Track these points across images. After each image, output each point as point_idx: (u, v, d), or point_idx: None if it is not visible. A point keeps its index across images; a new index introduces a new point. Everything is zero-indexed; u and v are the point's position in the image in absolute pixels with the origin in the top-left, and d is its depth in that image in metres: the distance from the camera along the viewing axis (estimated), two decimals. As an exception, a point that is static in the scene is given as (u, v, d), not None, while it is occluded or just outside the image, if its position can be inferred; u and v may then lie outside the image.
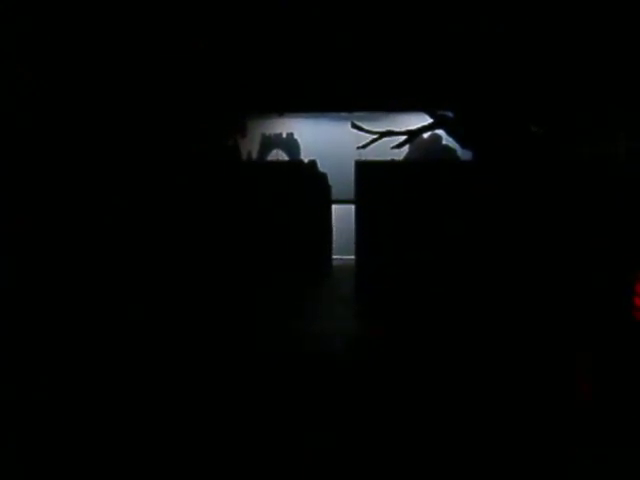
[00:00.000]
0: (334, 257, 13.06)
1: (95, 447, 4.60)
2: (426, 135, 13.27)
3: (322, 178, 12.77)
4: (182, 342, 7.95)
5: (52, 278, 8.99)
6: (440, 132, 12.90)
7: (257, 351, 7.62)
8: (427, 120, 11.51)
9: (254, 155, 15.00)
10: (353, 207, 11.38)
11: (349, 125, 11.95)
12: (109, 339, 7.86)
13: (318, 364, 7.00)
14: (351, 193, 11.49)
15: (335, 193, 12.83)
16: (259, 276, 12.07)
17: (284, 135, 14.93)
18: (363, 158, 11.30)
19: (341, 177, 12.61)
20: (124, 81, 10.11)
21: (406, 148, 13.03)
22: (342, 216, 12.69)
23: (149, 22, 7.42)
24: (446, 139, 13.20)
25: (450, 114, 11.27)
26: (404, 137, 11.84)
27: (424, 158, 13.75)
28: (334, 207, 12.86)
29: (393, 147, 11.70)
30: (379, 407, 5.48)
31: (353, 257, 11.74)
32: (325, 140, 14.18)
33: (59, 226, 9.56)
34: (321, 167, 12.80)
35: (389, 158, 11.88)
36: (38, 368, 6.45)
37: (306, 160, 13.03)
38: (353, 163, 11.32)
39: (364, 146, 11.71)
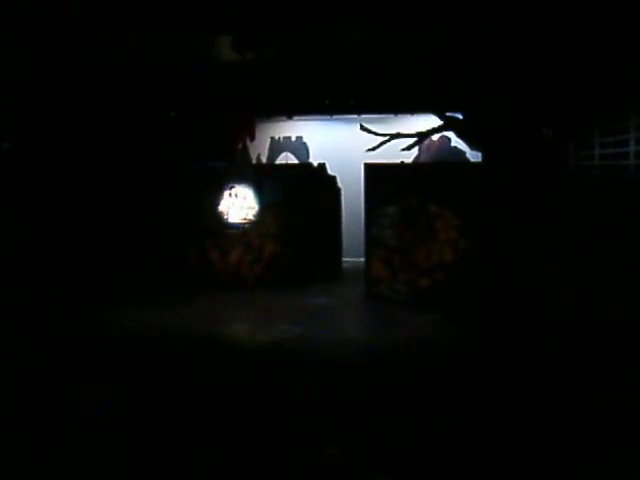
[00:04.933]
0: (344, 259, 13.08)
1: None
2: (435, 137, 13.27)
3: (332, 180, 12.82)
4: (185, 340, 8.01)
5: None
6: (449, 134, 12.90)
7: (257, 355, 7.68)
8: (436, 122, 11.53)
9: (263, 158, 15.05)
10: (362, 209, 11.44)
11: (358, 127, 11.98)
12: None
13: (326, 368, 7.03)
14: (360, 195, 11.53)
15: (345, 195, 12.87)
16: (267, 277, 12.14)
17: (293, 138, 14.98)
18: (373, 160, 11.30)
19: (350, 179, 12.65)
20: (128, 85, 10.20)
21: (415, 150, 13.04)
22: (351, 218, 12.72)
23: (156, 24, 7.47)
24: (455, 141, 13.19)
25: (459, 116, 11.28)
26: (413, 139, 11.85)
27: (433, 160, 13.75)
28: (343, 209, 12.90)
29: (402, 149, 11.72)
30: (384, 410, 5.50)
31: (362, 259, 11.77)
32: (334, 143, 14.22)
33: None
34: (330, 170, 12.85)
35: (398, 160, 11.91)
36: None
37: (315, 163, 13.07)
38: (362, 165, 11.35)
39: (373, 148, 11.73)
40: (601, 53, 6.70)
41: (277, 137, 15.06)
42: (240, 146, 15.01)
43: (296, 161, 14.65)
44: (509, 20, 7.33)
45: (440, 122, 11.43)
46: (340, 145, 13.95)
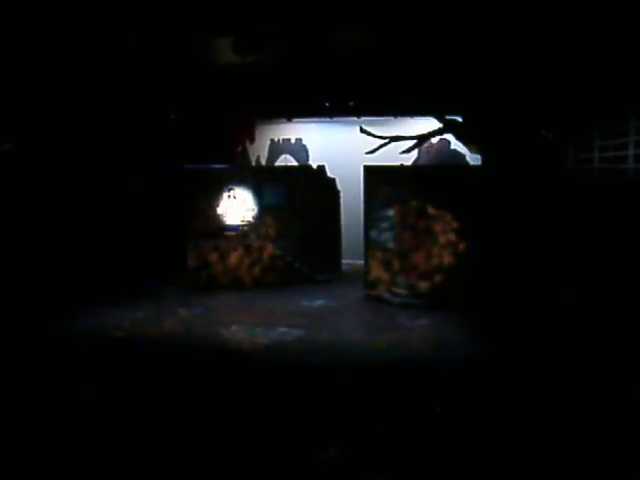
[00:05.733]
0: (343, 261, 13.07)
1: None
2: (435, 140, 13.28)
3: (331, 183, 12.83)
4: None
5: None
6: (449, 137, 12.90)
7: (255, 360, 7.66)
8: (436, 125, 11.52)
9: (263, 160, 15.05)
10: (362, 211, 11.45)
11: (357, 130, 11.97)
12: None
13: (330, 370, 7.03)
14: (359, 197, 11.54)
15: (344, 197, 12.88)
16: (266, 279, 12.12)
17: (292, 140, 14.98)
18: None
19: (349, 182, 12.66)
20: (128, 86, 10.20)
21: (415, 153, 13.04)
22: (351, 220, 12.73)
23: (156, 25, 7.47)
24: (455, 144, 13.20)
25: (459, 119, 11.27)
26: (413, 142, 11.83)
27: (433, 163, 13.76)
28: (343, 211, 12.91)
29: (402, 152, 11.71)
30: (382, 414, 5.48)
31: (362, 261, 11.76)
32: (333, 145, 14.21)
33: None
34: (330, 172, 12.86)
35: (398, 163, 11.91)
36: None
37: (315, 165, 13.07)
38: (361, 168, 11.35)
39: (373, 151, 11.72)
40: (601, 55, 6.72)
41: (277, 139, 15.07)
42: (240, 148, 15.01)
43: (295, 163, 14.65)
44: (509, 22, 7.35)
45: (440, 125, 11.42)
46: (339, 147, 13.96)
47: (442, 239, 10.60)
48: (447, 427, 5.02)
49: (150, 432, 4.98)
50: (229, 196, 12.50)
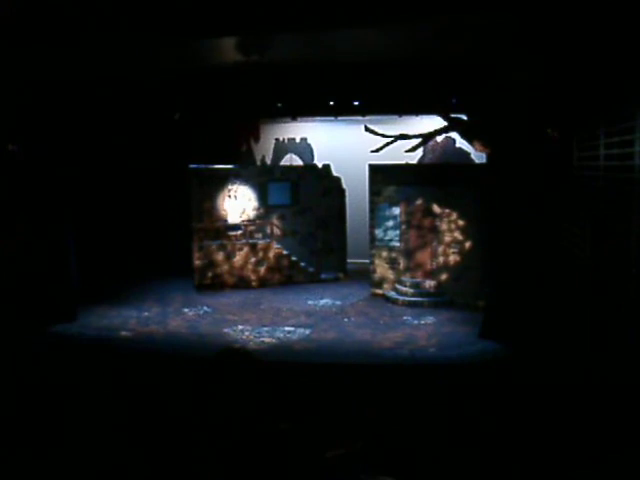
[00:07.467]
0: (349, 260, 13.05)
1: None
2: (440, 138, 13.23)
3: (336, 181, 12.83)
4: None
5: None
6: (454, 135, 12.86)
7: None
8: (441, 123, 11.48)
9: (268, 160, 15.06)
10: (367, 210, 11.45)
11: (362, 129, 11.93)
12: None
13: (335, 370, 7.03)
14: (365, 196, 11.53)
15: (349, 196, 12.89)
16: (272, 277, 12.13)
17: (297, 140, 14.98)
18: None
19: (355, 180, 12.65)
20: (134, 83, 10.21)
21: (420, 151, 13.01)
22: (356, 218, 12.73)
23: (159, 25, 7.46)
24: (460, 142, 13.17)
25: (463, 117, 11.23)
26: (418, 140, 11.78)
27: (438, 161, 13.72)
28: (348, 210, 12.91)
29: (407, 150, 11.67)
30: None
31: (367, 260, 11.76)
32: (338, 144, 14.19)
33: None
34: (335, 171, 12.86)
35: (403, 161, 11.89)
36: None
37: (320, 164, 13.07)
38: (367, 166, 11.35)
39: (378, 149, 11.69)
40: (606, 51, 6.68)
41: (281, 138, 15.07)
42: (245, 147, 15.02)
43: (300, 162, 14.65)
44: (513, 19, 7.31)
45: (444, 123, 11.37)
46: (344, 146, 13.93)
47: (447, 237, 10.60)
48: (452, 427, 5.01)
49: (152, 432, 4.99)
50: (233, 196, 12.53)
